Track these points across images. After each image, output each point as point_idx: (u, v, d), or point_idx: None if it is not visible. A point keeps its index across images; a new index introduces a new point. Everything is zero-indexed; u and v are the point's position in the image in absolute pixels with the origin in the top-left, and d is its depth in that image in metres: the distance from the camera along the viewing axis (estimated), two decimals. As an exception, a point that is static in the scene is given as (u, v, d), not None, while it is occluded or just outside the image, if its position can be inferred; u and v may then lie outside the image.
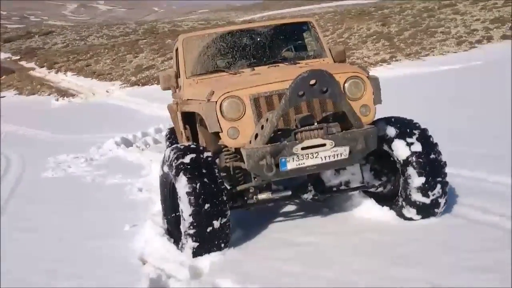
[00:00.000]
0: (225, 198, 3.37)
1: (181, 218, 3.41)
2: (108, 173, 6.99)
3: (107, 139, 9.66)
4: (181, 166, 3.37)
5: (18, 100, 32.33)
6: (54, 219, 4.99)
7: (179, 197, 3.38)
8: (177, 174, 3.38)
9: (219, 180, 3.39)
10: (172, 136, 6.24)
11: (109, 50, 41.38)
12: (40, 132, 14.32)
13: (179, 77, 4.58)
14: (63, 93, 30.12)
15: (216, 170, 3.44)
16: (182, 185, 3.32)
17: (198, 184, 3.29)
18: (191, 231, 3.31)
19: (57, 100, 27.89)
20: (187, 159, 3.41)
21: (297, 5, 78.41)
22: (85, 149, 9.15)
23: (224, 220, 3.36)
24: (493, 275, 2.67)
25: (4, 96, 34.50)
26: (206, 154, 3.51)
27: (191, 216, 3.28)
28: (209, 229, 3.31)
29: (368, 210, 3.89)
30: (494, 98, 10.13)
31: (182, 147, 3.59)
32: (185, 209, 3.31)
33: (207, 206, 3.28)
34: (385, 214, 3.81)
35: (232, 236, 3.60)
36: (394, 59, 23.88)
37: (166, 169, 3.63)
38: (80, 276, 3.45)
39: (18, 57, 46.38)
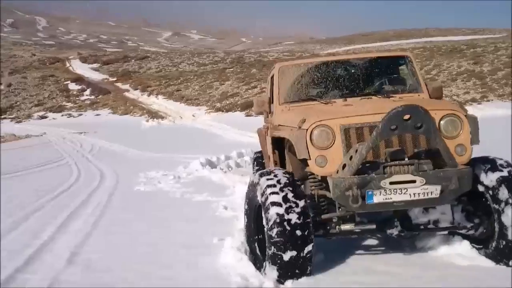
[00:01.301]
0: (311, 230, 3.35)
1: (267, 244, 3.43)
2: (195, 191, 7.31)
3: (193, 160, 10.14)
4: (272, 194, 3.39)
5: (112, 118, 34.72)
6: (147, 227, 5.31)
7: (267, 224, 3.39)
8: (266, 201, 3.40)
9: (307, 211, 3.37)
10: (259, 160, 6.38)
11: (198, 76, 43.42)
12: (131, 149, 15.27)
13: (272, 102, 4.72)
14: (153, 114, 31.96)
15: (305, 201, 3.42)
16: (271, 213, 3.33)
17: (287, 215, 3.30)
18: (276, 259, 3.32)
19: (148, 121, 29.66)
20: (277, 188, 3.42)
21: (383, 39, 77.43)
22: (173, 168, 9.67)
23: (308, 250, 3.34)
24: None
25: (99, 114, 37.22)
26: (296, 183, 3.52)
27: (277, 244, 3.29)
28: (293, 258, 3.31)
29: (456, 250, 3.73)
30: None
31: (272, 173, 3.59)
32: (272, 236, 3.31)
33: (293, 236, 3.28)
34: (474, 256, 3.63)
35: (315, 259, 3.61)
36: (485, 99, 22.76)
37: (254, 193, 3.69)
38: (171, 278, 3.66)
39: (115, 79, 49.99)
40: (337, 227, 3.66)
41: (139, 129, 26.26)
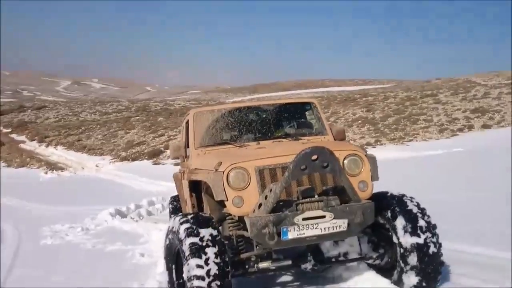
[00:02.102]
0: (229, 276, 3.45)
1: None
2: (107, 241, 7.08)
3: (99, 211, 9.76)
4: (189, 242, 3.46)
5: (7, 171, 32.12)
6: (63, 280, 5.09)
7: (185, 271, 3.45)
8: (184, 249, 3.47)
9: (225, 258, 3.47)
10: (175, 204, 6.39)
11: (101, 125, 42.06)
12: (29, 204, 14.26)
13: (188, 147, 4.84)
14: (52, 166, 30.12)
15: (222, 247, 3.50)
16: (190, 263, 3.40)
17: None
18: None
19: (46, 173, 27.85)
20: (194, 235, 3.49)
21: (284, 89, 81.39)
22: (79, 220, 9.22)
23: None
24: None
25: (-10, 168, 34.37)
26: (212, 230, 3.59)
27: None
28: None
29: (365, 281, 4.01)
30: (475, 182, 10.63)
31: (189, 219, 3.67)
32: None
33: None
34: (382, 284, 3.92)
35: None
36: (379, 143, 24.64)
37: (172, 237, 3.75)
38: None
39: (10, 130, 46.76)
40: (255, 265, 3.82)
41: (37, 181, 24.60)
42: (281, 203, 3.51)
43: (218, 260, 3.43)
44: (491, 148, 18.57)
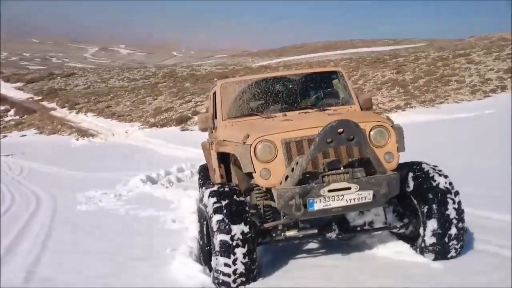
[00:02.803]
0: (254, 244, 3.61)
1: (213, 255, 3.66)
2: (140, 207, 7.33)
3: (131, 177, 10.06)
4: (217, 210, 3.62)
5: (39, 139, 33.14)
6: (98, 244, 5.37)
7: (213, 237, 3.62)
8: (212, 217, 3.63)
9: (250, 225, 3.62)
10: (203, 173, 6.51)
11: (130, 92, 42.57)
12: (63, 170, 14.77)
13: (216, 118, 4.91)
14: (83, 133, 30.89)
15: (248, 215, 3.65)
16: (216, 228, 3.57)
17: (231, 230, 3.54)
18: (222, 269, 3.56)
19: (78, 139, 28.61)
20: (222, 204, 3.64)
21: (312, 51, 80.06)
22: (112, 186, 9.55)
23: (252, 259, 3.60)
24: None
25: (25, 135, 35.43)
26: (239, 199, 3.73)
27: (222, 257, 3.54)
28: (238, 268, 3.56)
29: (390, 248, 4.11)
30: (506, 146, 10.43)
31: (218, 191, 3.79)
32: (217, 249, 3.56)
33: (237, 249, 3.53)
34: (405, 251, 4.02)
35: (263, 259, 4.02)
36: (408, 106, 24.22)
37: (202, 207, 3.88)
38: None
39: (40, 97, 47.81)
40: (282, 234, 3.92)
41: (69, 148, 25.33)
42: (307, 175, 3.57)
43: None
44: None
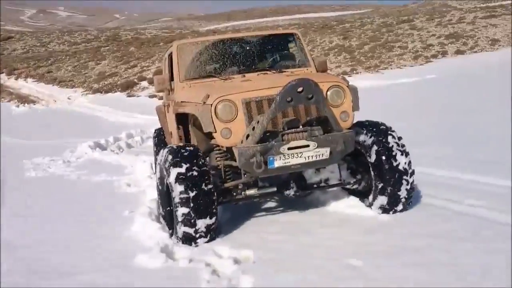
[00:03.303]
0: (215, 203, 3.69)
1: (174, 216, 3.72)
2: (91, 172, 7.18)
3: (78, 144, 9.80)
4: (177, 171, 3.65)
5: (-25, 106, 31.32)
6: (57, 207, 5.27)
7: (173, 198, 3.68)
8: (171, 177, 3.67)
9: (211, 186, 3.68)
10: (159, 137, 6.45)
11: (71, 56, 40.73)
12: (5, 137, 14.09)
13: (173, 80, 4.85)
14: (23, 99, 29.42)
15: (207, 175, 3.70)
16: (177, 189, 3.62)
17: (192, 189, 3.60)
18: (183, 229, 3.64)
19: (18, 106, 27.26)
20: (182, 164, 3.68)
21: (261, 16, 79.42)
22: (59, 153, 9.25)
23: (213, 220, 3.70)
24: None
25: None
26: (200, 159, 3.77)
27: (182, 219, 3.62)
28: (199, 228, 3.65)
29: (345, 204, 4.34)
30: (445, 108, 11.07)
31: (178, 150, 3.83)
32: (178, 209, 3.62)
33: (198, 208, 3.60)
34: (357, 205, 4.28)
35: (224, 217, 4.16)
36: (354, 71, 24.78)
37: (162, 169, 3.90)
38: (95, 248, 3.88)
39: (-26, 62, 44.93)
40: (242, 192, 4.03)
41: (10, 115, 24.12)
42: (267, 134, 3.65)
43: (204, 188, 3.63)
44: (462, 74, 18.96)
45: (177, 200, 3.62)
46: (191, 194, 3.59)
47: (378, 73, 23.98)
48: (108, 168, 7.54)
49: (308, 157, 3.66)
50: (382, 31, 32.82)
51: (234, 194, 4.05)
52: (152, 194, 4.98)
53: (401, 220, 3.92)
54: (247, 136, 3.63)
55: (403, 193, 4.00)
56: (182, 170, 3.65)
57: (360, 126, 4.16)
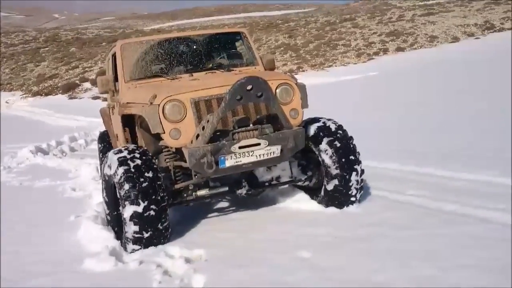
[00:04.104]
0: (165, 204, 3.58)
1: (123, 221, 3.58)
2: (34, 178, 6.88)
3: (18, 149, 9.36)
4: (124, 172, 3.53)
5: None
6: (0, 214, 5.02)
7: (121, 202, 3.54)
8: (119, 180, 3.54)
9: (161, 187, 3.58)
10: (104, 140, 6.21)
11: (8, 59, 38.90)
12: None
13: (117, 81, 4.68)
14: (-44, 104, 27.78)
15: (157, 175, 3.60)
16: (124, 191, 3.49)
17: (140, 192, 3.48)
18: (133, 236, 3.52)
19: (-51, 111, 25.69)
20: (129, 165, 3.56)
21: (206, 15, 78.97)
22: (-4, 159, 8.76)
23: (164, 224, 3.59)
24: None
25: None
26: (147, 159, 3.67)
27: (132, 222, 3.48)
28: (149, 233, 3.53)
29: (295, 200, 4.38)
30: (387, 103, 11.48)
31: (124, 151, 3.71)
32: (127, 214, 3.49)
33: (148, 212, 3.48)
34: (306, 201, 4.33)
35: (174, 217, 4.08)
36: (301, 69, 25.16)
37: (108, 171, 3.75)
38: (39, 253, 3.79)
39: None
40: (193, 193, 3.96)
41: None
42: (217, 133, 3.58)
43: (153, 185, 3.53)
44: (402, 70, 19.71)
45: (127, 211, 3.48)
46: (143, 203, 3.47)
47: (323, 71, 24.49)
48: (52, 172, 7.24)
49: (260, 155, 3.63)
50: (326, 29, 33.51)
51: (185, 195, 3.96)
52: (98, 198, 4.84)
53: (346, 212, 4.02)
54: (197, 136, 3.56)
55: (353, 190, 4.06)
56: (130, 168, 3.54)
57: (310, 122, 4.18)
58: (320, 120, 4.22)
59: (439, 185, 4.52)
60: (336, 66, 25.26)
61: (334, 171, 4.01)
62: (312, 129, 4.12)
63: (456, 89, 12.13)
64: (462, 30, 28.34)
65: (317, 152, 4.11)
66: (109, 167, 3.72)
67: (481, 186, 4.33)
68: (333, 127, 4.13)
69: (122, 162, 3.60)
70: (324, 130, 4.09)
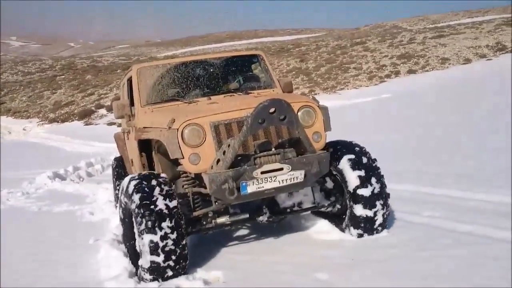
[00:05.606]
0: (183, 233, 3.41)
1: (140, 252, 3.44)
2: (52, 203, 6.85)
3: (36, 175, 9.38)
4: (140, 199, 3.39)
5: None
6: (20, 238, 5.04)
7: (138, 234, 3.39)
8: (135, 207, 3.39)
9: (179, 214, 3.43)
10: (119, 166, 6.10)
11: (25, 87, 39.65)
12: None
13: (133, 105, 4.61)
14: (-26, 132, 28.23)
15: (175, 202, 3.45)
16: (141, 219, 3.34)
17: (157, 220, 3.32)
18: (149, 266, 3.35)
19: (-32, 139, 26.10)
20: (146, 192, 3.42)
21: (218, 41, 79.98)
22: (17, 185, 8.75)
23: (182, 253, 3.41)
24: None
25: None
26: (165, 185, 3.52)
27: (148, 251, 3.32)
28: (167, 263, 3.36)
29: (316, 227, 4.24)
30: (402, 125, 11.37)
31: (141, 177, 3.59)
32: (143, 243, 3.34)
33: (165, 242, 3.32)
34: (331, 230, 4.13)
35: (191, 241, 4.07)
36: (313, 92, 25.16)
37: (125, 199, 3.63)
38: (58, 277, 3.80)
39: None
40: (212, 221, 3.79)
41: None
42: (239, 158, 3.45)
43: (171, 213, 3.38)
44: (415, 92, 19.59)
45: (144, 241, 3.32)
46: (160, 232, 3.31)
47: (335, 94, 24.46)
48: (70, 197, 7.23)
49: (283, 180, 3.48)
50: (337, 53, 33.62)
51: (204, 223, 3.79)
52: (116, 221, 4.78)
53: (376, 240, 3.85)
54: (218, 161, 3.43)
55: (379, 218, 3.88)
56: (147, 195, 3.40)
57: (333, 146, 4.01)
58: (345, 144, 4.06)
59: (454, 205, 4.51)
60: (348, 89, 25.20)
61: (359, 200, 3.82)
62: (337, 153, 3.96)
63: (468, 110, 12.03)
64: (473, 51, 28.22)
65: (341, 178, 3.94)
66: (125, 193, 3.60)
67: (495, 206, 4.31)
68: (358, 152, 3.96)
69: (138, 188, 3.46)
70: (348, 154, 3.93)
